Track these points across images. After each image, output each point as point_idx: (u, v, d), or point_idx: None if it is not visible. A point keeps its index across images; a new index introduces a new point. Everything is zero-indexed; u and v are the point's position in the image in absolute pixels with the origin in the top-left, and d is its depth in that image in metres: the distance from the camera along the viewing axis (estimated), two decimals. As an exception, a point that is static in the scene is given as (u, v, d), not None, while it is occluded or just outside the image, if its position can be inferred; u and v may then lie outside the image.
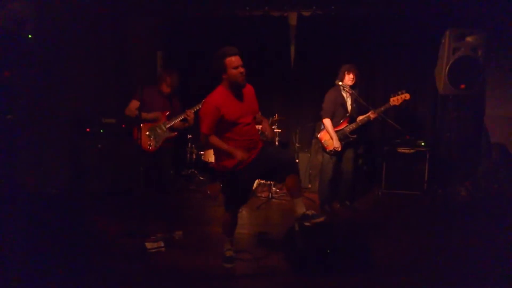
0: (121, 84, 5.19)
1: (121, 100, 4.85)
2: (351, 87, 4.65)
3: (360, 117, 4.71)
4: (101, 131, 5.16)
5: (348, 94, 4.73)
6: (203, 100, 3.37)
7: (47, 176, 4.38)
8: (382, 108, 4.61)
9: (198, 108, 4.63)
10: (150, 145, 4.63)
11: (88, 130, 5.15)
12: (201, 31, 6.50)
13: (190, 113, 4.66)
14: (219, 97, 3.19)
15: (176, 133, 4.79)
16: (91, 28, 5.15)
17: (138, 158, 4.35)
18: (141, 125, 4.31)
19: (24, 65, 3.39)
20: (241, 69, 3.12)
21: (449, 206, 4.69)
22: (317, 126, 5.79)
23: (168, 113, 4.75)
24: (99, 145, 5.11)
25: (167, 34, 6.55)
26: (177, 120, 4.73)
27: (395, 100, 4.54)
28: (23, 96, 3.91)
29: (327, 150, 4.70)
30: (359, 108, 4.81)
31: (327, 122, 4.67)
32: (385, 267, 3.45)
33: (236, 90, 3.22)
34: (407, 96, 4.51)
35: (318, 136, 4.79)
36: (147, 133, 4.63)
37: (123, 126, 5.20)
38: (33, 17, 3.37)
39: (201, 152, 6.01)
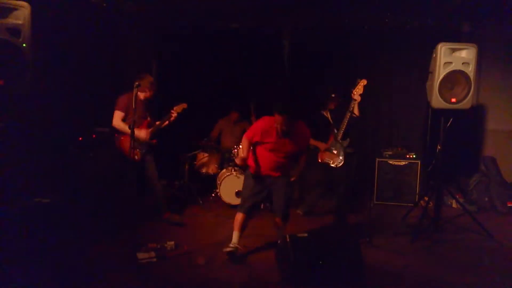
0: (115, 93, 5.18)
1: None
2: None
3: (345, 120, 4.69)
4: (93, 136, 5.12)
5: (327, 111, 4.98)
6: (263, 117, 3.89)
7: (38, 185, 4.34)
8: (352, 105, 4.60)
9: (182, 108, 4.78)
10: (135, 154, 4.52)
11: (80, 139, 5.11)
12: (195, 41, 6.52)
13: (178, 108, 4.74)
14: (269, 122, 3.76)
15: (155, 140, 4.75)
16: (85, 37, 5.15)
17: (125, 168, 4.44)
18: (122, 135, 4.49)
19: (17, 74, 3.37)
20: (283, 127, 3.65)
21: (441, 218, 4.72)
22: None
23: (148, 121, 4.74)
24: (91, 154, 5.06)
25: (162, 44, 6.57)
26: (165, 123, 4.74)
27: (358, 90, 4.53)
28: (15, 104, 3.89)
29: (334, 165, 4.74)
30: (339, 116, 4.81)
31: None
32: (377, 279, 3.46)
33: None
34: (364, 81, 4.55)
35: (319, 160, 4.81)
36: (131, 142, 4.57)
37: (116, 135, 5.17)
38: (27, 25, 3.36)
39: (194, 162, 6.00)
